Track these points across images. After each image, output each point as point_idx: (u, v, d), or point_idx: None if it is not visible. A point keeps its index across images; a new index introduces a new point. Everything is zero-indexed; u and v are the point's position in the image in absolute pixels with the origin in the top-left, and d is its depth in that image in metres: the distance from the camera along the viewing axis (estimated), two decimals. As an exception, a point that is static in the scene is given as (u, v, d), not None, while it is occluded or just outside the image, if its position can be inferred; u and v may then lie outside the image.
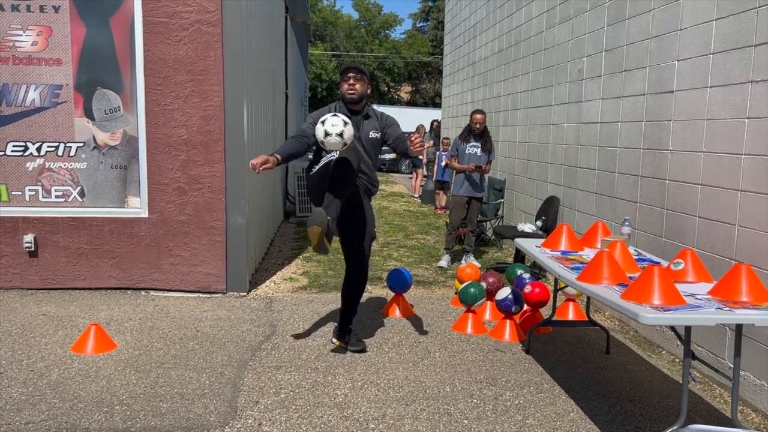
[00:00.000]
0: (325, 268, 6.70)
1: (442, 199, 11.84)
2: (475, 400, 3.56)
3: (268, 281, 6.08)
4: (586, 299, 4.70)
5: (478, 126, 6.90)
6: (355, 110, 4.08)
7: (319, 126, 3.64)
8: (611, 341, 4.57)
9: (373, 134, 4.09)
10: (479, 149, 6.95)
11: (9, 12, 5.16)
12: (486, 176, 7.07)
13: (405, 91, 44.08)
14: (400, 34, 48.62)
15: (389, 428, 3.20)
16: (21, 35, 5.19)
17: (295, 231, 9.05)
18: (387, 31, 44.41)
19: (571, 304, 5.21)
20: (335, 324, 4.41)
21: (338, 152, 3.69)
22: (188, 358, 4.02)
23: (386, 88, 42.84)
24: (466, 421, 3.30)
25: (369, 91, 4.12)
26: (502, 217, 8.49)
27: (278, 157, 3.77)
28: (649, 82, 4.86)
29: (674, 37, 4.52)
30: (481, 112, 6.96)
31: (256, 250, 6.43)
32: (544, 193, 7.04)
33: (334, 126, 3.59)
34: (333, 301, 5.46)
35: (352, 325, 4.29)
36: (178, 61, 5.27)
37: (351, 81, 4.01)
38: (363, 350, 4.21)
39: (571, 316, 5.09)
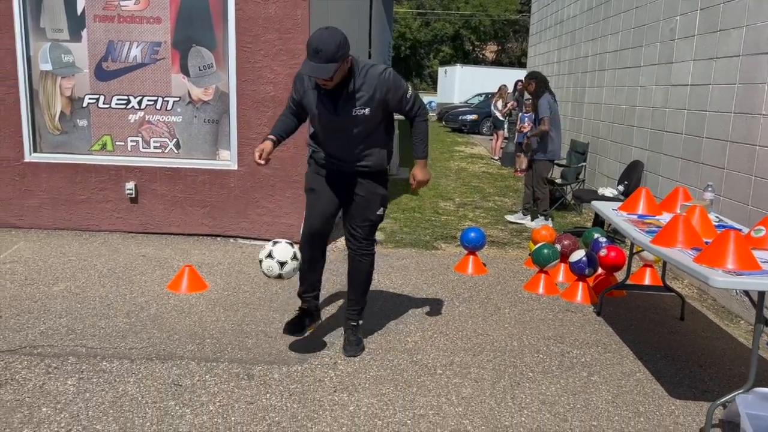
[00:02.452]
0: (401, 225, 6.88)
1: (523, 161, 11.65)
2: (541, 356, 3.66)
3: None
4: (662, 265, 4.64)
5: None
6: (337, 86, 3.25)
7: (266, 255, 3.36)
8: (687, 308, 4.52)
9: (359, 111, 3.27)
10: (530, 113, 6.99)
11: (114, -27, 5.51)
12: (540, 138, 6.99)
13: (490, 51, 43.05)
14: (487, -9, 47.24)
15: (456, 375, 3.37)
16: (125, -5, 5.55)
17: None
18: (474, -12, 43.29)
19: (648, 270, 5.15)
20: (411, 278, 4.56)
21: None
22: (272, 301, 4.32)
23: (471, 47, 41.98)
24: (530, 374, 3.42)
25: (350, 64, 3.20)
26: (583, 180, 8.35)
27: (273, 138, 3.40)
28: (744, 43, 4.63)
29: (776, -6, 4.28)
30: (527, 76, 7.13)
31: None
32: (629, 157, 6.87)
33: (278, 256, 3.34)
34: (407, 256, 5.63)
35: (361, 319, 3.70)
36: (267, 19, 5.48)
37: (322, 83, 3.19)
38: (353, 355, 3.55)
39: (647, 282, 5.04)
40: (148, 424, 2.76)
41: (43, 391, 3.01)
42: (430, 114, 31.28)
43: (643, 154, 6.49)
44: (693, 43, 5.46)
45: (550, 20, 10.93)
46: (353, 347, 3.57)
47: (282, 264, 3.33)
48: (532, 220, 7.22)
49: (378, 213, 3.59)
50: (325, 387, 3.17)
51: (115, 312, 4.02)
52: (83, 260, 5.06)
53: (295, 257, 3.38)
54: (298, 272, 3.49)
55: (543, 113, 6.89)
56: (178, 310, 4.10)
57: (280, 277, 3.36)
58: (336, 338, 3.75)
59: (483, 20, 39.76)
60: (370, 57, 10.81)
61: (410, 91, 3.40)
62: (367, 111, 3.29)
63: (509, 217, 7.42)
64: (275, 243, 3.40)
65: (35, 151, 5.82)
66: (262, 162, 3.33)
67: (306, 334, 3.61)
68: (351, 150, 3.41)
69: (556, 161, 7.27)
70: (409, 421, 2.89)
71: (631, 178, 6.49)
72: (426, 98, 34.39)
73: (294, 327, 3.53)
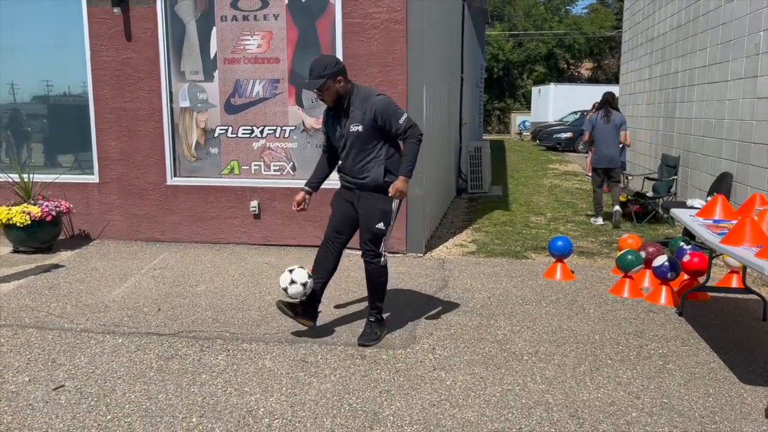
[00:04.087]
0: (492, 237, 7.36)
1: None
2: (620, 347, 4.04)
3: (441, 246, 6.89)
4: (742, 268, 4.86)
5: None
6: (339, 107, 3.94)
7: (286, 274, 3.95)
8: (770, 310, 4.71)
9: (353, 128, 3.86)
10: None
11: (241, 21, 6.45)
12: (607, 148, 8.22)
13: (586, 68, 42.45)
14: (581, 9, 46.69)
15: (540, 360, 3.83)
16: (249, 39, 6.47)
17: (466, 206, 9.78)
18: (567, 7, 43.04)
19: (734, 276, 5.34)
20: (501, 283, 5.04)
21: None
22: (377, 300, 4.95)
23: (565, 65, 41.61)
24: (609, 361, 3.82)
25: (341, 84, 3.83)
26: (675, 194, 8.47)
27: (308, 189, 4.21)
28: (823, 55, 4.82)
29: None
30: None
31: (432, 220, 7.27)
32: (718, 169, 7.02)
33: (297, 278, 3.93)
34: (498, 264, 6.12)
35: (379, 315, 4.18)
36: (370, 54, 6.21)
37: (317, 95, 3.88)
38: (363, 344, 4.03)
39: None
40: (284, 389, 3.44)
41: (201, 363, 3.77)
42: (525, 134, 31.33)
43: (732, 165, 6.63)
44: (776, 56, 5.65)
45: (641, 38, 11.09)
46: (366, 337, 4.07)
47: (293, 282, 3.94)
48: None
49: (377, 226, 3.96)
50: (425, 366, 3.73)
51: (248, 306, 4.79)
52: (217, 267, 5.93)
53: (304, 285, 3.94)
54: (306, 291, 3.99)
55: (585, 127, 8.46)
56: (299, 306, 4.81)
57: (285, 290, 3.95)
58: (433, 331, 4.31)
59: (577, 38, 39.43)
60: (462, 81, 11.42)
61: (403, 117, 3.88)
62: (360, 128, 3.85)
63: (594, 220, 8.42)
64: (299, 267, 4.03)
65: (175, 175, 6.83)
66: (297, 209, 4.13)
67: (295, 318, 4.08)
68: (352, 164, 3.97)
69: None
70: (498, 394, 3.39)
71: (721, 189, 6.65)
72: (519, 118, 34.47)
73: (287, 305, 4.03)
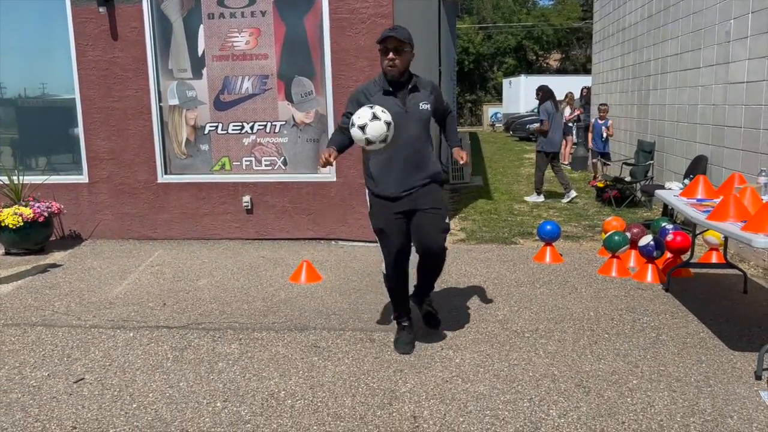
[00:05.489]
0: (480, 225, 7.55)
1: (598, 169, 10.89)
2: (615, 322, 4.26)
3: (432, 235, 7.05)
4: (724, 244, 5.12)
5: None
6: (400, 83, 3.63)
7: (358, 132, 3.39)
8: (751, 285, 4.98)
9: (423, 105, 3.65)
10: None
11: (229, 19, 6.51)
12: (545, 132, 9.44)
13: (554, 59, 43.04)
14: (548, 1, 47.27)
15: (541, 337, 4.02)
16: (237, 36, 6.53)
17: (449, 197, 9.97)
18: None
19: (714, 253, 5.62)
20: (494, 267, 5.22)
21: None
22: (377, 287, 5.09)
23: (534, 57, 42.14)
24: (606, 335, 4.03)
25: (412, 59, 3.65)
26: (651, 178, 8.77)
27: (335, 147, 3.66)
28: (793, 40, 5.09)
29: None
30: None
31: (421, 209, 7.43)
32: (693, 153, 7.31)
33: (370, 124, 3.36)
34: (489, 250, 6.31)
35: (429, 302, 4.15)
36: (358, 49, 6.33)
37: (391, 55, 3.53)
38: (437, 326, 4.10)
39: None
40: (301, 372, 3.57)
41: (215, 352, 3.87)
42: (498, 125, 31.68)
43: (706, 149, 6.92)
44: (747, 44, 5.92)
45: (613, 28, 11.39)
46: (436, 319, 4.12)
47: (362, 128, 3.36)
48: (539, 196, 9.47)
49: (446, 221, 3.80)
50: (434, 346, 3.89)
51: (252, 298, 4.89)
52: (214, 262, 6.01)
53: (375, 117, 3.34)
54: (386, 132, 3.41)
55: (542, 116, 9.39)
56: (302, 295, 4.93)
57: (369, 142, 3.39)
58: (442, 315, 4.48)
59: (545, 30, 39.96)
60: (440, 73, 11.59)
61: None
62: (428, 107, 3.68)
63: (527, 198, 9.52)
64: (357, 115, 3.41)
65: (166, 173, 6.87)
66: (324, 163, 3.53)
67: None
68: (412, 155, 3.65)
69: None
70: (505, 369, 3.57)
71: (696, 171, 6.92)
72: (492, 110, 34.85)
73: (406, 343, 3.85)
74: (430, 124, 3.88)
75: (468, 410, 3.11)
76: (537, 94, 10.15)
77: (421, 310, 4.17)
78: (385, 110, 3.41)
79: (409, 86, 3.64)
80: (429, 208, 3.70)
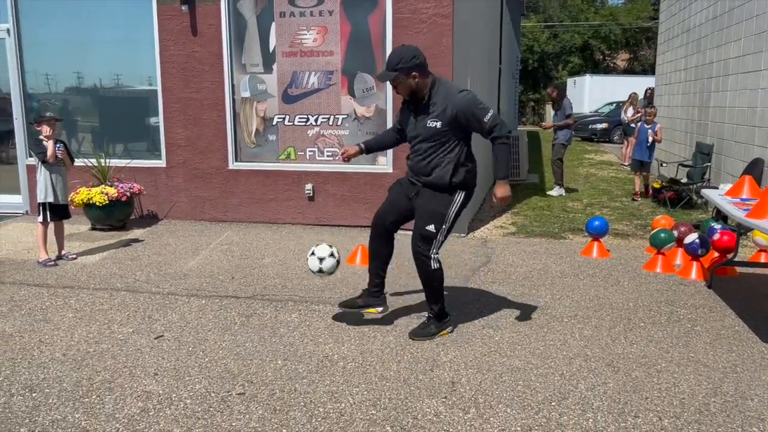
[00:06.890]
0: (531, 220, 7.77)
1: (638, 182, 9.54)
2: (652, 312, 4.45)
3: (482, 228, 7.33)
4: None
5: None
6: (417, 100, 3.81)
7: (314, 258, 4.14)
8: (796, 285, 5.05)
9: (431, 123, 3.72)
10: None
11: (298, 17, 6.96)
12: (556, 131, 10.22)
13: (622, 59, 42.08)
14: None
15: (579, 322, 4.26)
16: (306, 34, 6.98)
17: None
18: (604, -3, 42.68)
19: (763, 254, 5.68)
20: (541, 259, 5.45)
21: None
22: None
23: (601, 56, 41.33)
24: (642, 324, 4.23)
25: (417, 80, 3.72)
26: (708, 180, 8.74)
27: (361, 145, 4.13)
28: None
29: None
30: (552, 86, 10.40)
31: (473, 202, 7.70)
32: (751, 156, 7.30)
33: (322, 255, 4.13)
34: (538, 243, 6.54)
35: (436, 309, 4.00)
36: (419, 47, 6.64)
37: (394, 88, 3.86)
38: (412, 337, 3.94)
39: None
40: (353, 340, 3.95)
41: (277, 320, 4.30)
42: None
43: (764, 152, 6.92)
44: (807, 46, 5.93)
45: (678, 29, 11.30)
46: (416, 330, 3.99)
47: (321, 259, 4.15)
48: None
49: (427, 228, 3.81)
50: (475, 325, 4.20)
51: (312, 276, 5.31)
52: (278, 243, 6.48)
53: (332, 255, 4.15)
54: (335, 268, 4.22)
55: (568, 111, 10.03)
56: (356, 275, 5.32)
57: (320, 271, 4.17)
58: (479, 297, 4.77)
59: (613, 29, 39.13)
60: (500, 72, 11.78)
61: (488, 115, 3.67)
62: (438, 124, 3.68)
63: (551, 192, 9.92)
64: (317, 245, 4.25)
65: (236, 160, 7.40)
66: (343, 160, 4.17)
67: (361, 312, 4.30)
68: (421, 159, 3.82)
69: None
70: (541, 347, 3.84)
71: (752, 174, 6.92)
72: (554, 109, 34.40)
73: (346, 302, 4.22)
74: (472, 136, 3.90)
75: (503, 380, 3.41)
76: (552, 93, 10.28)
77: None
78: (338, 251, 4.26)
79: (423, 103, 3.78)
80: (419, 212, 3.90)
